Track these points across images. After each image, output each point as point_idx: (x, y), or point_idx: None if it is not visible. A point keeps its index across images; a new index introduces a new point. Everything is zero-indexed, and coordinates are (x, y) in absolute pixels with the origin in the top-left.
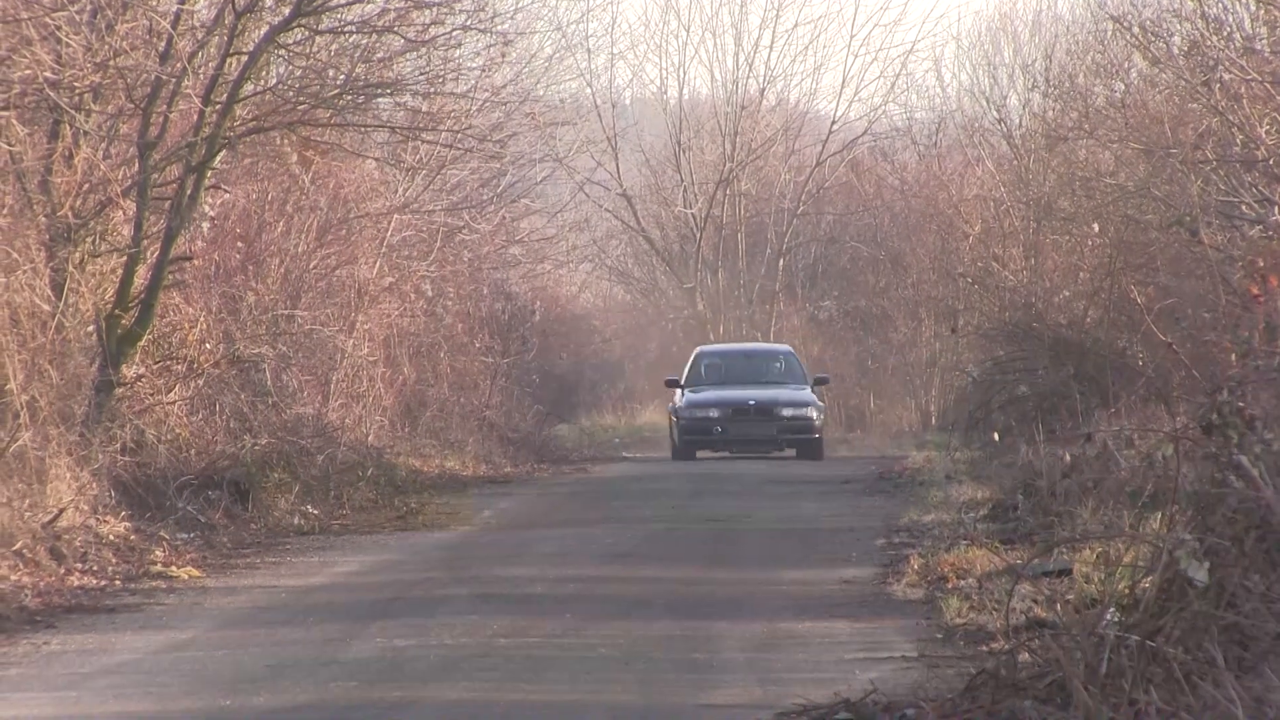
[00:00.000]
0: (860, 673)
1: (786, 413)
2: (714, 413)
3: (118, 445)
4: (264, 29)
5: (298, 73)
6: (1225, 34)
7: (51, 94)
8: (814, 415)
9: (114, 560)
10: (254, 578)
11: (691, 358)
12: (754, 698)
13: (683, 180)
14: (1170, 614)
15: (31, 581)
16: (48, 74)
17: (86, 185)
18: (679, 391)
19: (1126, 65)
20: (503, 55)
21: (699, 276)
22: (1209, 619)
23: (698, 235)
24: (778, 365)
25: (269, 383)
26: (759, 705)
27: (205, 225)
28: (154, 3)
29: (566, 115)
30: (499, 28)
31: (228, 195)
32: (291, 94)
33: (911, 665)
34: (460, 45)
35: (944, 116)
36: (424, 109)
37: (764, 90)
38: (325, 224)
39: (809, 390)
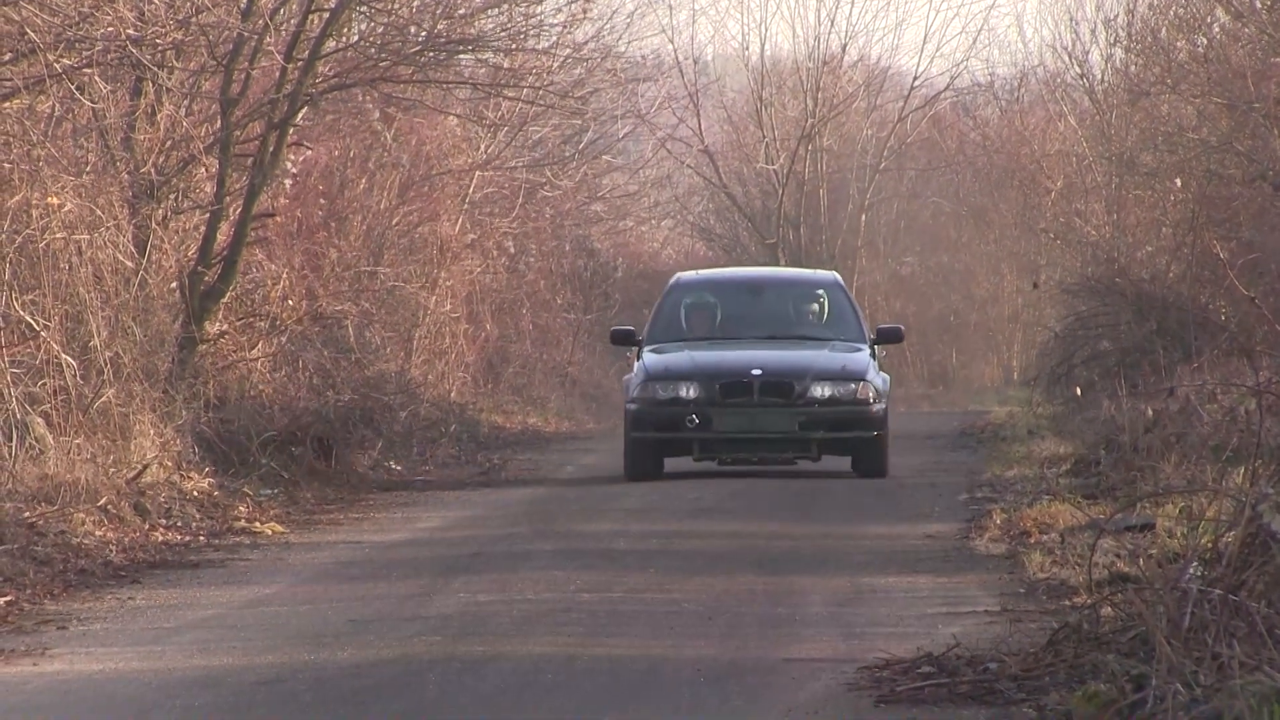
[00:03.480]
0: (943, 627)
1: (821, 390)
2: (688, 390)
3: (201, 402)
4: None
5: (379, 29)
6: None
7: (134, 51)
8: (871, 395)
9: (197, 516)
10: (337, 533)
11: (664, 292)
12: (837, 651)
13: (764, 136)
14: (1253, 568)
15: (116, 537)
16: (130, 31)
17: (169, 142)
18: (637, 354)
19: (1209, 19)
20: (584, 11)
21: (781, 233)
22: None
23: (779, 191)
24: (814, 307)
25: (351, 339)
26: (842, 659)
27: (287, 182)
28: None
29: (648, 72)
30: None
31: (310, 152)
32: (373, 50)
33: (994, 620)
34: (542, 1)
35: (1026, 72)
36: (505, 65)
37: (845, 46)
38: (407, 180)
39: (866, 352)
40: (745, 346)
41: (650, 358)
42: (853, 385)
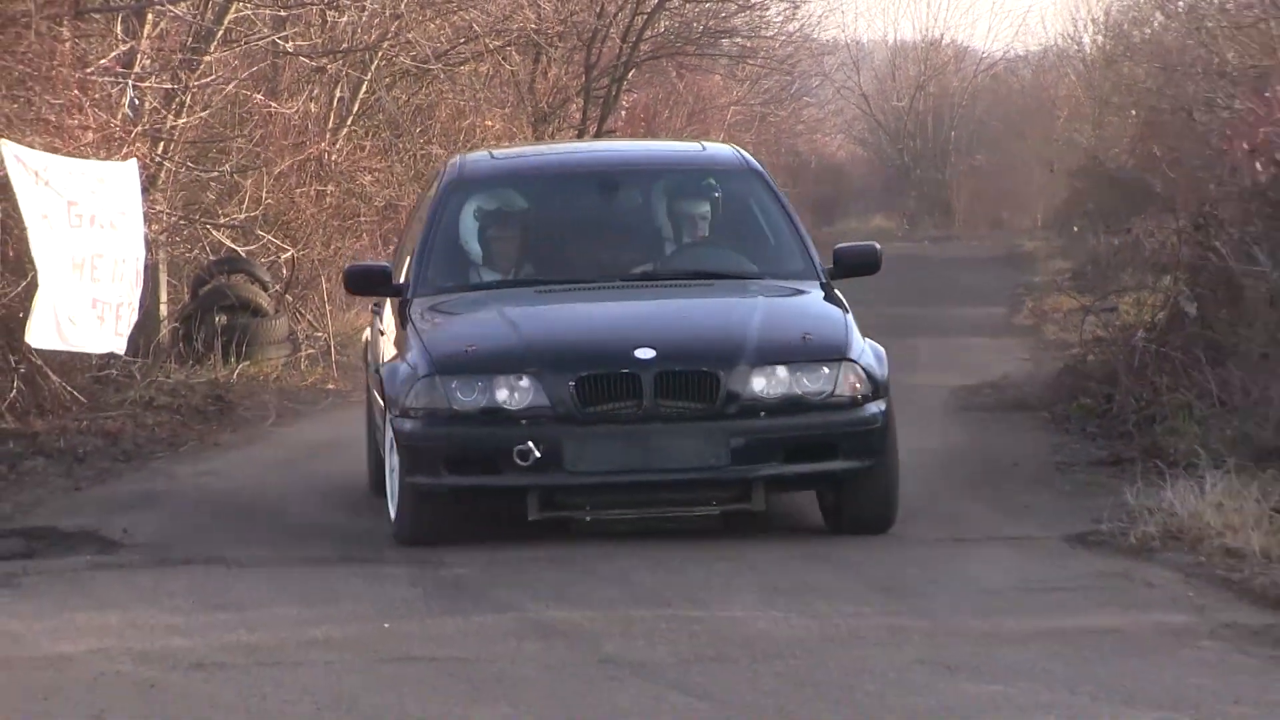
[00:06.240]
0: (995, 368)
1: (769, 385)
2: (514, 394)
3: None
4: None
5: (676, 24)
6: None
7: (535, 36)
8: (859, 388)
9: None
10: None
11: (440, 194)
12: (937, 381)
13: (895, 86)
14: (1174, 333)
15: None
16: (532, 25)
17: (555, 89)
18: (398, 314)
19: (1151, 18)
20: (794, 13)
21: (906, 142)
22: (1196, 336)
23: (905, 118)
24: (703, 210)
25: None
26: (941, 385)
27: (622, 113)
28: None
29: (830, 48)
30: None
31: (635, 95)
32: (672, 36)
33: (1026, 363)
34: (769, 8)
35: (1046, 48)
36: (749, 44)
37: (942, 35)
38: (692, 112)
39: (826, 298)
40: (607, 298)
41: (429, 325)
42: (826, 371)
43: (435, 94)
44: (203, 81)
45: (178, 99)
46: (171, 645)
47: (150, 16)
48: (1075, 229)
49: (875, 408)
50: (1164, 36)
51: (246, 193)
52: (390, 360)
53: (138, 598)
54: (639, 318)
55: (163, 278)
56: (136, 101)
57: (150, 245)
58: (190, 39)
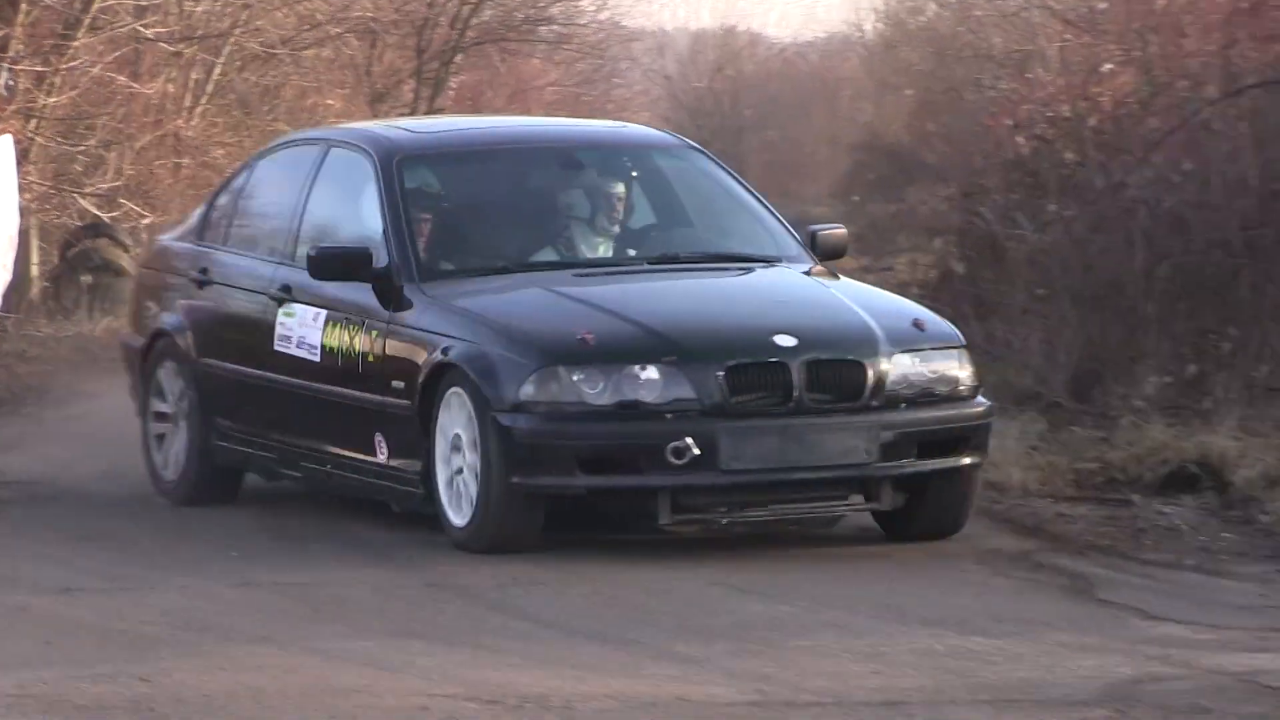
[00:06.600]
0: None
1: (909, 375)
2: (651, 386)
3: None
4: None
5: (499, 12)
6: None
7: (372, 24)
8: (971, 377)
9: None
10: None
11: (385, 172)
12: None
13: (696, 67)
14: (944, 290)
15: None
16: (369, 14)
17: (389, 72)
18: (388, 300)
19: (926, 8)
20: (605, 2)
21: (704, 120)
22: (964, 293)
23: (705, 98)
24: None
25: None
26: None
27: (450, 93)
28: None
29: (637, 35)
30: None
31: (462, 77)
32: (496, 24)
33: None
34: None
35: (831, 34)
36: (564, 31)
37: (738, 23)
38: (513, 92)
39: (853, 283)
40: (675, 281)
41: (494, 310)
42: (951, 359)
43: (282, 76)
44: (71, 65)
45: (48, 80)
46: (41, 573)
47: (24, 6)
48: (856, 198)
49: (984, 398)
50: (938, 24)
51: (110, 165)
52: (467, 350)
53: (10, 531)
54: (760, 302)
55: (34, 242)
56: (11, 83)
57: (24, 212)
58: (60, 26)
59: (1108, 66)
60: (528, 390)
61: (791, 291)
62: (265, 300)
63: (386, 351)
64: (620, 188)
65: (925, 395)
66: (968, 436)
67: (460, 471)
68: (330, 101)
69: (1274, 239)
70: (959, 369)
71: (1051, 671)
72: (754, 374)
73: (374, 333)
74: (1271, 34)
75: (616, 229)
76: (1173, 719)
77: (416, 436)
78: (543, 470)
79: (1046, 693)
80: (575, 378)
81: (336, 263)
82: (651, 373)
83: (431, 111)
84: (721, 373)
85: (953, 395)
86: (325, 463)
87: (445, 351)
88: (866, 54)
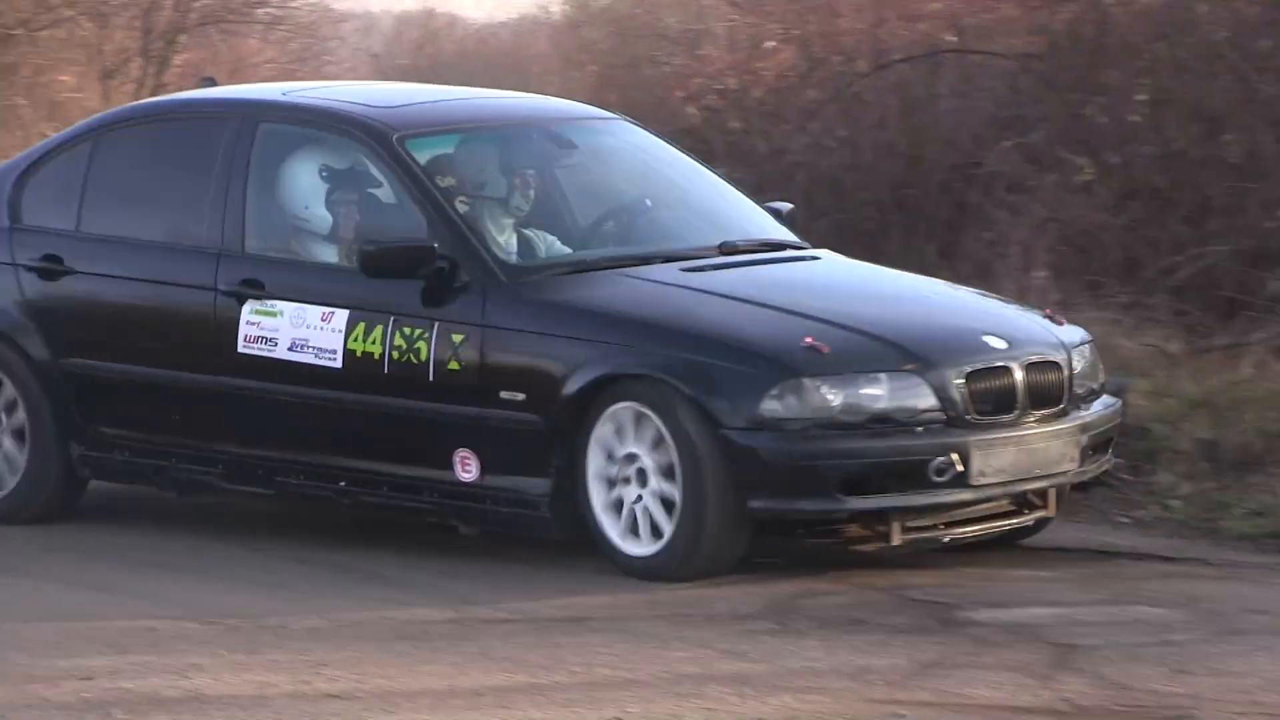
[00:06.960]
0: None
1: (1086, 383)
2: (888, 399)
3: None
4: None
5: None
6: None
7: (103, 7)
8: (1100, 367)
9: None
10: None
11: (395, 149)
12: None
13: (400, 46)
14: None
15: None
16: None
17: (119, 50)
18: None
19: None
20: None
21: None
22: None
23: (408, 75)
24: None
25: None
26: None
27: (175, 70)
28: None
29: (345, 17)
30: None
31: (186, 55)
32: (216, 6)
33: None
34: None
35: (523, 15)
36: (279, 14)
37: (436, 6)
38: (234, 69)
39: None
40: (782, 274)
41: (686, 313)
42: (1092, 356)
43: (19, 55)
44: None
45: None
46: None
47: None
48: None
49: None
50: (618, 6)
51: None
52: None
53: None
54: (924, 299)
55: None
56: None
57: None
58: None
59: (770, 44)
60: (771, 406)
61: (916, 286)
62: (209, 295)
63: (486, 360)
64: (532, 171)
65: (1090, 396)
66: (1114, 437)
67: (640, 500)
68: (64, 78)
69: (919, 198)
70: (1098, 364)
71: (719, 588)
72: (986, 380)
73: (458, 337)
74: (916, 13)
75: (527, 208)
76: (829, 629)
77: (541, 454)
78: (798, 494)
79: (715, 607)
80: (822, 390)
81: (400, 259)
82: (893, 383)
83: (159, 89)
84: (961, 380)
85: (1100, 391)
86: (339, 479)
87: (612, 362)
88: (554, 33)
